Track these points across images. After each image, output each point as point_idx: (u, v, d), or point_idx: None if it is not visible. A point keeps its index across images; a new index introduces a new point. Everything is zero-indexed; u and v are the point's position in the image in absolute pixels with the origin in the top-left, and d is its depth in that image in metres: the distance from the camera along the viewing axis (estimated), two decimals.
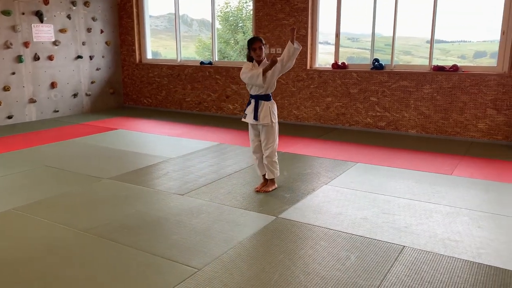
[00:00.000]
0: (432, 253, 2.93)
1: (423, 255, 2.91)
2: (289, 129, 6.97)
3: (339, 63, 7.06)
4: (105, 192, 4.11)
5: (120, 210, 3.65)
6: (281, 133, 6.65)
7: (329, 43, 7.58)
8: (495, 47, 6.16)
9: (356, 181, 4.42)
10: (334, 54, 7.19)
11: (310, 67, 7.29)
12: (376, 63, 6.74)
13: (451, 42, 6.97)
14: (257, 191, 4.11)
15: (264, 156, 4.09)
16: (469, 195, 4.03)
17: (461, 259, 2.86)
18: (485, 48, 6.91)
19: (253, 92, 4.05)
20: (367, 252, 2.95)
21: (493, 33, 6.53)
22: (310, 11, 7.06)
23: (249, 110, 4.07)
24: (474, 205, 3.79)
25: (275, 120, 4.07)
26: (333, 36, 7.16)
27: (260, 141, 4.12)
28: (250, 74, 3.92)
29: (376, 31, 6.93)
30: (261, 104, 4.01)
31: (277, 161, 4.13)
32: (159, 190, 4.15)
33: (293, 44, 3.88)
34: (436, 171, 4.73)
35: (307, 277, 2.63)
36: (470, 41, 6.77)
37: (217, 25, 10.65)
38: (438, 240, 3.13)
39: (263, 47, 3.94)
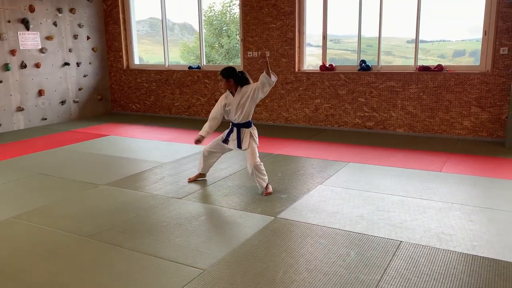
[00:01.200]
0: (428, 247, 3.04)
1: (420, 249, 3.02)
2: (279, 131, 7.06)
3: (327, 65, 7.19)
4: (102, 198, 4.13)
5: (120, 215, 3.67)
6: (271, 135, 6.76)
7: (311, 45, 7.72)
8: (474, 46, 6.37)
9: (350, 180, 4.52)
10: (321, 56, 7.31)
11: (298, 70, 7.40)
12: (363, 64, 6.88)
13: (431, 41, 7.15)
14: (190, 181, 4.48)
15: (250, 169, 4.12)
16: (459, 191, 4.17)
17: (456, 251, 2.97)
18: (464, 47, 7.11)
19: (234, 120, 4.22)
20: (366, 248, 3.04)
21: (471, 32, 6.75)
22: (297, 14, 7.18)
23: (232, 137, 4.24)
24: (464, 200, 3.92)
25: (255, 144, 4.22)
26: (316, 38, 7.28)
27: (220, 152, 4.44)
28: (214, 110, 4.25)
29: (354, 33, 7.09)
30: (243, 131, 4.21)
31: (263, 168, 4.16)
32: (157, 194, 4.18)
33: (269, 75, 3.97)
34: (426, 169, 4.87)
35: (311, 274, 2.71)
36: (449, 41, 6.96)
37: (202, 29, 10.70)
38: (433, 234, 3.24)
39: (224, 80, 4.12)
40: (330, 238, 3.20)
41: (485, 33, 6.09)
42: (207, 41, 11.74)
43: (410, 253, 2.96)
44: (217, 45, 12.61)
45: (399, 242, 3.13)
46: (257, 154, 4.19)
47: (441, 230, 3.30)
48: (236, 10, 10.71)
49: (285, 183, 4.49)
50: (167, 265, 2.83)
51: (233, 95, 4.17)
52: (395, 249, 3.02)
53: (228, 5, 12.70)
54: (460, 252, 2.96)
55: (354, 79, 6.93)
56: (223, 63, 10.10)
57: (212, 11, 12.94)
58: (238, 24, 8.84)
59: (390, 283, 2.61)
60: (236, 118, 4.18)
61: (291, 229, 3.37)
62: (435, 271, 2.73)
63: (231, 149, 4.37)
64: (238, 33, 10.38)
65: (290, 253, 2.98)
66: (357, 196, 4.04)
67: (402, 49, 7.21)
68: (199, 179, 4.57)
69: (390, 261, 2.86)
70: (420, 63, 6.57)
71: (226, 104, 4.20)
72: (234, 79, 4.14)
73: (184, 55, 13.19)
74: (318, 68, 7.29)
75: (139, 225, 3.49)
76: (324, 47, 7.26)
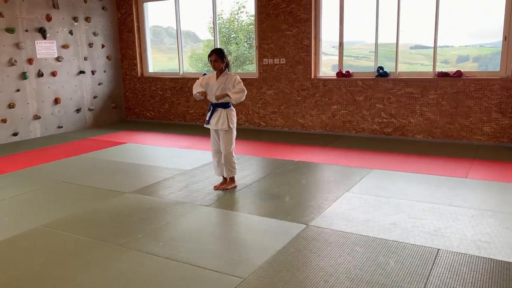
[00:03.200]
0: (467, 255, 3.00)
1: (459, 257, 2.98)
2: (295, 138, 7.05)
3: (343, 72, 7.18)
4: (130, 206, 4.11)
5: (150, 223, 3.65)
6: (288, 141, 6.75)
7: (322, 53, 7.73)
8: (478, 52, 6.37)
9: (376, 187, 4.49)
10: (338, 62, 7.30)
11: (315, 76, 7.39)
12: (381, 70, 6.87)
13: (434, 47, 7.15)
14: (216, 189, 4.47)
15: (222, 156, 4.43)
16: (488, 197, 4.13)
17: (496, 259, 2.93)
18: (468, 53, 7.09)
19: (212, 100, 4.41)
20: (404, 256, 3.01)
21: (474, 38, 6.77)
22: (313, 21, 7.19)
23: (208, 115, 4.46)
24: (496, 206, 3.88)
25: (233, 125, 4.42)
26: (324, 45, 7.29)
27: (216, 142, 4.52)
28: (195, 85, 4.45)
29: (361, 39, 7.11)
30: (218, 111, 4.37)
31: (235, 161, 4.47)
32: (184, 202, 4.16)
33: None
34: (451, 175, 4.83)
35: (353, 283, 2.67)
36: (452, 46, 6.94)
37: (209, 36, 10.74)
38: (470, 242, 3.20)
39: (220, 60, 4.26)
40: (366, 246, 3.16)
41: (505, 38, 6.07)
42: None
43: (450, 261, 2.92)
44: (225, 53, 12.69)
45: (436, 250, 3.09)
46: (232, 142, 4.41)
47: (477, 238, 3.26)
48: (244, 17, 10.73)
49: (311, 190, 4.46)
50: (206, 274, 2.80)
51: (218, 76, 4.34)
52: (433, 257, 2.98)
53: (236, 12, 12.77)
54: (501, 260, 2.92)
55: (371, 85, 6.91)
56: (231, 70, 10.09)
57: (221, 18, 13.01)
58: (247, 32, 8.86)
59: None
60: (214, 98, 4.36)
61: (325, 237, 3.34)
62: (479, 279, 2.69)
63: (218, 134, 4.47)
64: (246, 40, 10.43)
65: (328, 262, 2.95)
66: (386, 204, 4.01)
67: (405, 55, 7.19)
68: (226, 188, 4.52)
69: (431, 269, 2.82)
70: (423, 68, 6.58)
71: (208, 83, 4.40)
72: (226, 61, 4.32)
73: (192, 62, 13.25)
74: (335, 75, 7.28)
75: (171, 233, 3.47)
76: (341, 54, 7.26)
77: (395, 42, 6.75)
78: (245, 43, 11.13)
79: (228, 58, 4.37)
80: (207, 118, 4.46)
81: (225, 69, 4.33)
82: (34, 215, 3.92)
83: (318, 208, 3.93)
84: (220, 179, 4.67)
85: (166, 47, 10.06)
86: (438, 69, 6.55)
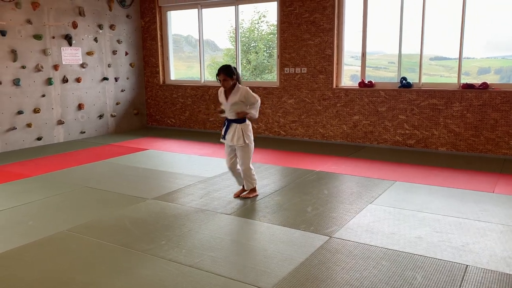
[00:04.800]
0: (498, 272, 2.91)
1: (489, 274, 2.90)
2: (316, 148, 7.00)
3: (366, 82, 7.13)
4: (153, 212, 4.13)
5: (173, 230, 3.66)
6: (309, 151, 6.71)
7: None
8: (499, 64, 6.25)
9: (400, 199, 4.42)
10: (360, 72, 7.26)
11: (336, 86, 7.35)
12: (404, 81, 6.80)
13: (455, 58, 7.05)
14: (236, 197, 4.47)
15: (241, 171, 4.42)
16: None
17: None
18: (489, 65, 6.97)
19: (228, 116, 4.36)
20: (431, 271, 2.94)
21: (497, 49, 6.65)
22: (336, 31, 7.17)
23: (223, 130, 4.40)
24: None
25: (249, 140, 4.33)
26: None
27: (235, 157, 4.44)
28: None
29: (381, 49, 7.05)
30: (232, 126, 4.31)
31: (254, 173, 4.46)
32: (206, 209, 4.16)
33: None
34: (477, 189, 4.73)
35: None
36: (474, 58, 6.83)
37: (229, 45, 10.81)
38: (500, 258, 3.11)
39: (229, 79, 4.18)
40: (392, 260, 3.10)
41: None
42: (234, 57, 11.85)
43: (480, 278, 2.84)
44: (244, 62, 12.73)
45: (465, 266, 3.01)
46: (250, 157, 4.36)
47: (507, 254, 3.17)
48: (265, 27, 10.78)
49: (333, 201, 4.41)
50: (230, 284, 2.78)
51: (229, 92, 4.27)
52: (462, 273, 2.90)
53: (256, 22, 12.85)
54: None
55: (394, 96, 6.84)
56: (250, 79, 10.12)
57: (241, 28, 13.10)
58: (267, 41, 8.89)
59: None
60: (230, 115, 4.32)
61: (349, 249, 3.29)
62: None
63: (234, 148, 4.41)
64: (266, 49, 10.45)
65: (353, 275, 2.90)
66: (411, 217, 3.93)
67: (425, 66, 7.10)
68: (248, 197, 4.51)
69: (460, 286, 2.75)
70: (443, 80, 6.48)
71: (220, 101, 4.40)
72: (236, 77, 4.24)
73: (212, 71, 13.36)
74: (356, 85, 7.23)
75: (194, 240, 3.46)
76: (363, 64, 7.21)
77: (418, 53, 6.69)
78: (265, 52, 11.16)
79: (237, 71, 4.26)
80: (222, 133, 4.40)
81: (235, 84, 4.26)
82: (59, 219, 3.97)
83: (341, 220, 3.88)
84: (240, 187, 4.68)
85: (185, 55, 10.16)
86: (454, 80, 6.45)
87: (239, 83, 4.28)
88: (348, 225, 3.75)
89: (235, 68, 4.24)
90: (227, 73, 4.17)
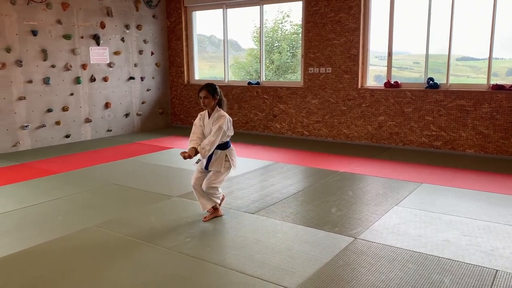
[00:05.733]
0: None
1: None
2: (340, 148, 6.95)
3: (392, 82, 7.03)
4: (178, 210, 4.17)
5: (197, 228, 3.69)
6: (333, 152, 6.66)
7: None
8: None
9: (426, 202, 4.34)
10: (386, 73, 7.17)
11: (361, 86, 7.28)
12: (431, 82, 6.68)
13: (482, 59, 6.87)
14: (205, 221, 3.84)
15: (203, 187, 3.81)
16: None
17: None
18: None
19: None
20: (459, 275, 2.88)
21: None
22: (361, 30, 7.10)
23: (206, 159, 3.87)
24: None
25: (233, 167, 3.88)
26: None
27: (203, 177, 3.87)
28: (191, 137, 3.83)
29: (405, 50, 6.93)
30: (215, 153, 3.81)
31: (218, 190, 3.88)
32: (229, 208, 4.18)
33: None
34: (507, 193, 4.60)
35: None
36: (502, 58, 6.64)
37: (252, 45, 10.81)
38: None
39: (211, 97, 3.73)
40: (418, 263, 3.05)
41: None
42: (257, 57, 11.87)
43: (510, 284, 2.76)
44: (268, 62, 12.74)
45: (495, 271, 2.93)
46: (222, 180, 3.85)
47: None
48: (288, 27, 10.74)
49: (358, 203, 4.37)
50: (253, 282, 2.79)
51: (209, 115, 3.82)
52: (492, 278, 2.83)
53: (280, 22, 12.83)
54: None
55: (421, 96, 6.73)
56: (273, 79, 10.11)
57: (264, 27, 13.11)
58: (290, 41, 8.85)
59: None
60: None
61: (374, 251, 3.25)
62: None
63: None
64: (289, 49, 10.42)
65: (379, 277, 2.86)
66: (438, 219, 3.86)
67: (452, 67, 6.95)
68: (217, 216, 3.95)
69: None
70: (471, 81, 6.32)
71: (201, 125, 3.85)
72: (218, 98, 3.81)
73: (235, 71, 13.44)
74: (382, 85, 7.14)
75: (218, 238, 3.49)
76: (389, 64, 7.12)
77: (444, 53, 6.57)
78: (288, 52, 11.12)
79: (221, 94, 3.83)
80: (205, 162, 3.85)
81: (216, 106, 3.80)
82: (87, 215, 4.06)
83: (366, 221, 3.84)
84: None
85: (208, 55, 10.22)
86: (481, 82, 6.30)
87: (221, 107, 3.82)
88: (374, 227, 3.71)
89: (220, 91, 3.86)
90: (209, 90, 3.74)
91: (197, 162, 3.95)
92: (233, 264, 3.04)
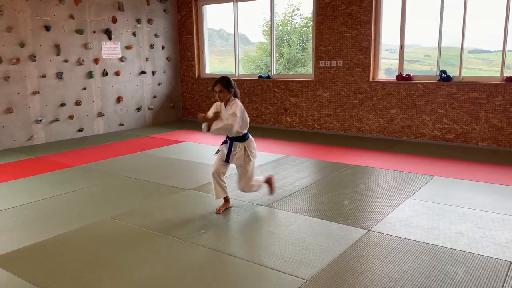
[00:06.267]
0: None
1: None
2: (351, 142, 6.94)
3: (404, 75, 6.99)
4: (191, 202, 4.22)
5: (211, 220, 3.74)
6: (344, 145, 6.66)
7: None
8: None
9: (439, 194, 4.34)
10: (398, 66, 7.13)
11: (373, 79, 7.25)
12: (444, 74, 6.63)
13: (495, 51, 6.78)
14: (219, 213, 3.89)
15: (239, 189, 3.97)
16: None
17: None
18: None
19: (228, 134, 3.88)
20: (473, 267, 2.89)
21: None
22: (373, 23, 7.06)
23: (224, 148, 3.95)
24: None
25: (253, 158, 3.90)
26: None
27: (224, 165, 3.92)
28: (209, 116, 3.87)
29: (416, 42, 6.88)
30: (235, 146, 3.88)
31: (254, 186, 3.97)
32: (242, 201, 4.22)
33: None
34: None
35: None
36: None
37: (262, 39, 10.79)
38: None
39: (226, 91, 3.76)
40: (432, 255, 3.06)
41: None
42: (268, 51, 11.85)
43: None
44: (277, 55, 12.71)
45: (509, 262, 2.94)
46: (253, 177, 3.90)
47: None
48: (298, 20, 10.70)
49: (370, 195, 4.38)
50: (269, 273, 2.83)
51: (225, 106, 3.86)
52: (506, 270, 2.84)
53: (290, 15, 12.79)
54: None
55: (433, 89, 6.69)
56: (283, 72, 10.11)
57: (274, 21, 13.08)
58: (300, 34, 8.82)
59: None
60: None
61: (387, 243, 3.27)
62: None
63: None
64: (299, 42, 10.38)
65: (393, 268, 2.88)
66: (452, 212, 3.86)
67: (463, 59, 6.88)
68: (228, 207, 4.01)
69: (504, 282, 2.69)
70: (483, 73, 6.25)
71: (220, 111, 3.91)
72: (233, 90, 3.85)
73: (245, 64, 13.44)
74: (394, 78, 7.11)
75: (232, 230, 3.53)
76: (401, 56, 7.07)
77: (456, 46, 6.53)
78: (298, 46, 11.09)
79: (235, 86, 3.89)
80: (224, 152, 3.94)
81: (232, 98, 3.85)
82: (102, 207, 4.13)
83: (379, 214, 3.85)
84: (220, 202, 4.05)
85: (217, 49, 10.23)
86: (499, 74, 6.24)
87: (235, 97, 3.89)
88: (386, 219, 3.72)
89: (234, 84, 3.90)
90: (224, 84, 3.78)
91: (216, 153, 4.02)
92: (248, 255, 3.08)
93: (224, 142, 4.02)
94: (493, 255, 3.04)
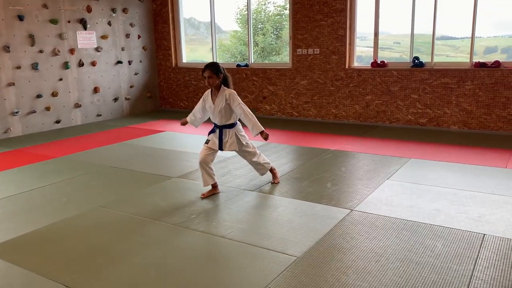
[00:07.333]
0: None
1: (506, 241, 3.06)
2: (329, 128, 7.14)
3: (378, 62, 7.21)
4: (179, 189, 4.31)
5: (201, 205, 3.84)
6: (322, 131, 6.84)
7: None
8: (506, 43, 6.30)
9: (415, 175, 4.57)
10: (367, 53, 7.34)
11: (349, 67, 7.45)
12: (417, 61, 6.88)
13: (461, 38, 7.08)
14: (204, 198, 3.97)
15: (254, 165, 4.29)
16: None
17: None
18: (496, 44, 7.02)
19: (216, 122, 4.01)
20: (451, 239, 3.10)
21: (502, 28, 6.69)
22: (348, 11, 7.23)
23: (214, 137, 4.03)
24: None
25: (245, 141, 4.10)
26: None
27: (212, 154, 4.03)
28: (198, 108, 4.15)
29: (385, 30, 7.13)
30: (225, 133, 4.00)
31: (263, 158, 4.30)
32: (230, 186, 4.33)
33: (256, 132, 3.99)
34: (490, 165, 4.86)
35: (403, 264, 2.79)
36: (480, 37, 6.87)
37: (236, 27, 10.83)
38: None
39: (215, 76, 3.82)
40: (412, 230, 3.27)
41: None
42: (242, 39, 11.89)
43: (497, 245, 3.00)
44: (220, 67, 12.74)
45: (482, 235, 3.17)
46: (255, 152, 4.18)
47: None
48: (272, 8, 10.78)
49: (351, 178, 4.57)
50: (261, 252, 2.96)
51: (214, 95, 3.95)
52: (480, 241, 3.07)
53: (263, 3, 12.86)
54: None
55: (407, 75, 6.93)
56: (258, 61, 10.20)
57: (251, 9, 13.10)
58: (274, 22, 8.95)
59: (484, 272, 2.67)
60: (218, 120, 3.97)
61: (370, 221, 3.46)
62: None
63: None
64: (273, 31, 10.48)
65: (377, 244, 3.07)
66: (428, 191, 4.09)
67: (430, 46, 7.17)
68: (215, 193, 4.10)
69: (479, 252, 2.92)
70: (449, 60, 6.55)
71: (206, 106, 4.03)
72: (223, 76, 3.90)
73: (220, 53, 13.44)
74: (368, 65, 7.32)
75: (222, 214, 3.64)
76: (376, 44, 7.28)
77: (423, 33, 6.78)
78: (272, 34, 11.17)
79: (225, 72, 3.92)
80: (208, 137, 4.06)
81: (221, 85, 3.92)
82: (90, 196, 4.16)
83: (360, 194, 4.05)
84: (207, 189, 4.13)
85: (188, 38, 10.19)
86: (462, 60, 6.53)
87: (226, 86, 3.94)
88: (368, 199, 3.91)
89: (223, 69, 3.94)
90: (213, 69, 3.82)
91: (206, 142, 4.08)
92: (240, 236, 3.21)
93: (212, 132, 4.10)
94: (468, 229, 3.27)
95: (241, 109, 3.93)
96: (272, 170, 4.43)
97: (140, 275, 2.73)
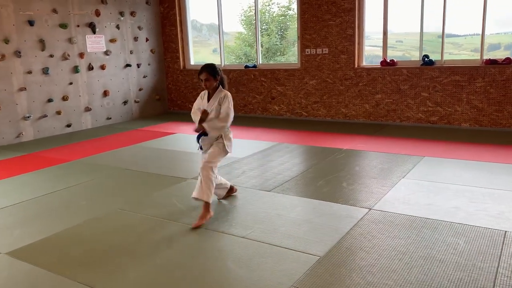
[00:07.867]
0: None
1: None
2: (339, 127, 7.14)
3: (388, 61, 7.20)
4: None
5: (218, 207, 3.85)
6: (333, 131, 6.84)
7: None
8: (509, 39, 6.27)
9: (431, 173, 4.56)
10: (382, 51, 7.34)
11: (358, 66, 7.44)
12: (426, 59, 6.87)
13: (464, 36, 7.06)
14: (194, 227, 3.44)
15: (200, 168, 3.66)
16: None
17: None
18: (499, 41, 7.00)
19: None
20: (472, 237, 3.10)
21: (505, 25, 6.66)
22: (357, 10, 7.22)
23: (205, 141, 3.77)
24: None
25: (228, 150, 3.77)
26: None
27: None
28: (192, 111, 3.84)
29: (388, 29, 7.15)
30: (210, 134, 3.72)
31: (213, 182, 3.62)
32: (245, 187, 4.34)
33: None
34: (506, 162, 4.85)
35: (427, 261, 2.79)
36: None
37: (240, 29, 10.84)
38: None
39: (212, 78, 3.61)
40: (432, 228, 3.26)
41: None
42: (247, 40, 11.91)
43: None
44: (217, 68, 12.76)
45: (504, 231, 3.16)
46: (217, 160, 3.68)
47: None
48: (276, 9, 10.79)
49: (367, 177, 4.57)
50: (284, 252, 2.97)
51: (209, 94, 3.75)
52: (502, 238, 3.06)
53: (267, 4, 12.88)
54: None
55: (417, 73, 6.92)
56: (263, 61, 10.22)
57: (252, 10, 13.14)
58: (278, 23, 8.96)
59: (509, 269, 2.66)
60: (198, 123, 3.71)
61: (390, 220, 3.45)
62: None
63: None
64: (277, 31, 10.49)
65: (398, 242, 3.07)
66: (445, 189, 4.08)
67: (433, 44, 7.14)
68: (231, 194, 4.03)
69: (502, 249, 2.91)
70: (453, 57, 6.53)
71: (199, 108, 3.79)
72: (220, 78, 3.71)
73: (226, 54, 13.47)
74: (379, 64, 7.31)
75: (241, 215, 3.65)
76: (385, 43, 7.28)
77: (432, 31, 6.75)
78: (277, 35, 11.17)
79: (221, 73, 3.72)
80: (199, 143, 3.77)
81: (219, 86, 3.72)
82: (108, 199, 4.18)
83: (377, 194, 4.04)
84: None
85: (192, 40, 10.23)
86: (466, 58, 6.50)
87: (222, 87, 3.75)
88: (385, 198, 3.91)
89: (220, 70, 3.74)
90: (210, 71, 3.62)
91: (200, 149, 3.88)
92: (260, 236, 3.21)
93: (200, 136, 3.79)
94: (488, 226, 3.26)
95: (226, 109, 3.65)
96: (207, 206, 3.59)
97: (165, 275, 2.74)
